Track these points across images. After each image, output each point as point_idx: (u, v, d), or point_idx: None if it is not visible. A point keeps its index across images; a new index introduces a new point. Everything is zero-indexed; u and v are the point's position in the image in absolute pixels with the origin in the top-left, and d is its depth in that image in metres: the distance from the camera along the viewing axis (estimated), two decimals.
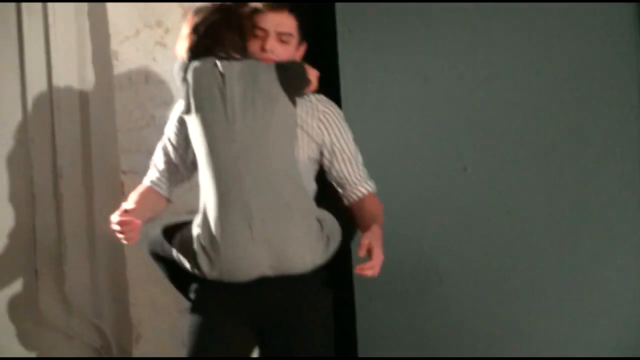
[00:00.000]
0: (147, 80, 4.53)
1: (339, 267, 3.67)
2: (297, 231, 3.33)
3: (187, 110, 3.40)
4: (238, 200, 3.31)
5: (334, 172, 3.51)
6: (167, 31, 4.51)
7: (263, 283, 3.36)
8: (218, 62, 3.39)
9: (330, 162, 3.49)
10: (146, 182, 3.68)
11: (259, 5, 3.47)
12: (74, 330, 4.69)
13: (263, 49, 3.43)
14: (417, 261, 4.60)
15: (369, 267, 3.25)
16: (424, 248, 4.61)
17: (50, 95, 4.69)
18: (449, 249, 4.61)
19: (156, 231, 3.63)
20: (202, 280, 3.43)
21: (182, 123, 3.51)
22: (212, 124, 3.34)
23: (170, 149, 3.61)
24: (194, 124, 3.39)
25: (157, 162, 3.67)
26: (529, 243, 4.60)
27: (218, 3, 3.53)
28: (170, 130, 3.61)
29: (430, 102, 4.61)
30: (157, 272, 4.33)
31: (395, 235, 4.45)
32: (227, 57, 3.40)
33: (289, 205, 3.33)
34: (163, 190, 3.67)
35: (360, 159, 3.58)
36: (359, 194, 3.54)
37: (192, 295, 3.51)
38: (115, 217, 3.45)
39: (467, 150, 4.60)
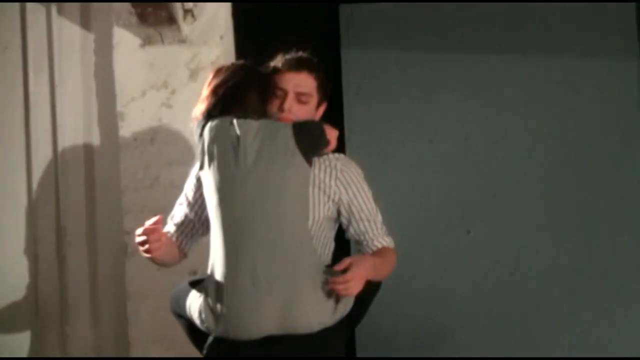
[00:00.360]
0: (152, 141, 4.58)
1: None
2: (303, 292, 3.31)
3: (201, 167, 3.41)
4: (245, 258, 3.30)
5: (351, 230, 3.47)
6: (173, 92, 4.57)
7: (270, 341, 3.34)
8: (235, 121, 3.40)
9: (349, 221, 3.46)
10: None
11: (278, 64, 3.51)
12: None
13: (281, 109, 3.45)
14: (421, 320, 4.67)
15: (340, 281, 3.24)
16: (428, 307, 4.68)
17: (55, 155, 4.76)
18: (453, 308, 4.68)
19: (176, 288, 3.65)
20: (214, 338, 3.42)
21: (199, 180, 3.52)
22: (224, 180, 3.33)
23: (185, 204, 3.60)
24: (207, 180, 3.38)
25: (175, 215, 3.65)
26: (533, 304, 4.66)
27: (238, 63, 3.57)
28: (188, 187, 3.61)
29: (434, 164, 4.70)
30: (159, 332, 4.48)
31: (399, 296, 4.54)
32: (245, 117, 3.40)
33: (296, 266, 3.32)
34: (178, 242, 3.68)
35: (380, 217, 3.52)
36: (375, 247, 3.49)
37: (205, 352, 3.48)
38: (140, 230, 3.49)
39: (470, 212, 4.69)
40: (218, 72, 3.51)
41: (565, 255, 4.67)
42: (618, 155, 4.67)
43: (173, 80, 4.58)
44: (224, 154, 3.34)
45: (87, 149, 4.75)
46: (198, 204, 3.55)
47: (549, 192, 4.69)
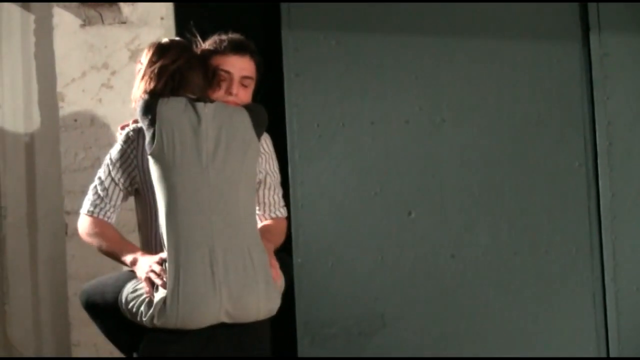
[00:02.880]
0: (92, 122, 4.72)
1: (281, 308, 3.80)
2: (256, 280, 3.39)
3: (156, 150, 3.36)
4: (203, 245, 3.34)
5: (259, 194, 3.69)
6: (113, 73, 4.72)
7: (212, 330, 3.41)
8: (191, 103, 3.42)
9: (259, 185, 3.67)
10: (89, 213, 3.62)
11: (220, 46, 3.62)
12: None
13: (229, 92, 3.58)
14: (360, 304, 4.82)
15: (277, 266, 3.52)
16: (368, 291, 4.83)
17: None
18: (393, 292, 4.84)
19: (93, 283, 3.65)
20: (149, 332, 3.40)
21: (137, 159, 3.48)
22: (184, 165, 3.34)
23: (120, 187, 3.55)
24: (160, 163, 3.36)
25: (111, 199, 3.58)
26: (473, 287, 4.84)
27: (178, 41, 3.65)
28: (117, 167, 3.54)
29: (375, 147, 4.87)
30: None
31: (340, 278, 4.73)
32: (198, 99, 3.46)
33: (250, 253, 3.41)
34: (112, 220, 3.62)
35: (280, 187, 3.80)
36: (274, 216, 3.74)
37: (143, 345, 3.44)
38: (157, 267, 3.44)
39: (411, 194, 4.84)
40: (159, 50, 3.57)
41: (506, 238, 4.84)
42: (559, 139, 4.83)
43: (113, 61, 4.72)
44: (184, 137, 3.36)
45: (28, 130, 4.90)
46: (127, 182, 3.56)
47: (490, 174, 4.86)
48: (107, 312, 3.52)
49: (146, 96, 3.45)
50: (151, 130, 3.38)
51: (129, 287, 3.43)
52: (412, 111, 4.86)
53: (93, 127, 4.73)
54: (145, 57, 3.57)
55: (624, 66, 4.79)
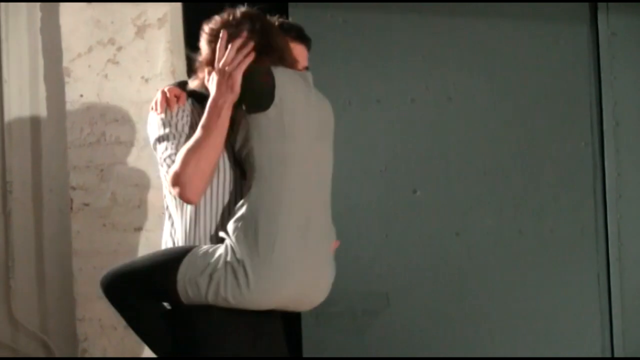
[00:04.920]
0: (98, 97, 4.82)
1: None
2: (330, 266, 3.33)
3: (274, 116, 3.18)
4: (317, 219, 3.25)
5: None
6: (119, 49, 4.81)
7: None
8: (297, 72, 3.33)
9: None
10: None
11: (292, 32, 3.54)
12: (19, 344, 5.00)
13: None
14: (365, 282, 4.99)
15: None
16: (372, 269, 5.01)
17: (1, 110, 5.02)
18: (397, 271, 5.00)
19: (125, 268, 3.31)
20: (221, 309, 3.15)
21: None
22: (297, 134, 3.22)
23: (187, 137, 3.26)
24: (276, 130, 3.19)
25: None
26: (478, 265, 5.00)
27: (262, 15, 3.38)
28: (181, 128, 3.28)
29: (381, 125, 5.02)
30: None
31: (345, 257, 4.87)
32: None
33: (330, 237, 3.34)
34: None
35: None
36: None
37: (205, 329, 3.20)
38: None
39: (416, 172, 4.99)
40: (251, 18, 3.32)
41: (511, 217, 5.00)
42: (565, 119, 4.99)
43: (120, 37, 4.80)
44: (299, 105, 3.23)
45: (33, 105, 5.00)
46: None
47: (496, 154, 5.01)
48: (145, 298, 3.25)
49: (259, 66, 3.22)
50: (265, 90, 3.19)
51: (194, 262, 3.14)
52: (419, 90, 5.00)
53: (99, 102, 4.81)
54: (229, 24, 3.30)
55: (632, 46, 4.93)
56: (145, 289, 3.22)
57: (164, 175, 3.26)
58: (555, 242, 4.99)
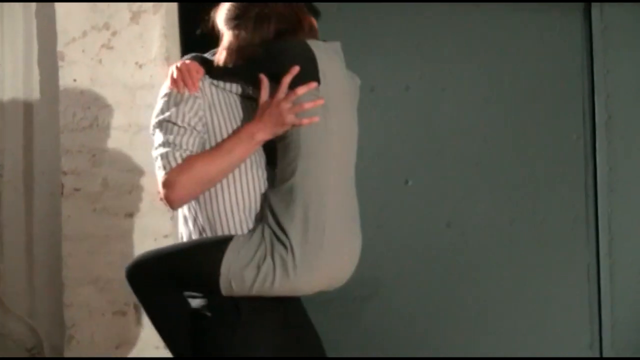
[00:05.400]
0: (92, 82, 4.82)
1: None
2: (359, 243, 3.30)
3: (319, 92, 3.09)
4: (350, 196, 3.20)
5: None
6: (114, 34, 4.82)
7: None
8: (329, 45, 3.24)
9: None
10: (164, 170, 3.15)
11: (302, 7, 3.43)
12: (6, 328, 5.02)
13: None
14: (356, 270, 4.93)
15: None
16: (364, 258, 4.96)
17: None
18: (389, 259, 5.05)
19: (148, 257, 3.23)
20: (243, 302, 3.10)
21: (202, 118, 3.16)
22: (339, 108, 3.16)
23: (199, 132, 3.16)
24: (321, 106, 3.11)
25: (190, 145, 3.13)
26: (468, 256, 5.07)
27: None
28: (195, 113, 3.15)
29: (374, 113, 5.04)
30: (94, 274, 4.77)
31: None
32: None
33: (357, 212, 3.29)
34: None
35: None
36: None
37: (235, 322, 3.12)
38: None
39: (409, 162, 5.04)
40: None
41: (503, 208, 5.06)
42: (558, 111, 5.05)
43: (114, 22, 4.80)
44: (337, 79, 3.19)
45: (27, 88, 5.02)
46: (199, 135, 3.18)
47: (488, 144, 5.06)
48: (177, 288, 3.16)
49: (293, 39, 3.17)
50: (306, 69, 3.11)
51: (238, 253, 3.06)
52: (413, 78, 5.04)
53: (92, 87, 4.82)
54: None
55: (625, 40, 4.99)
56: (179, 281, 3.12)
57: (158, 168, 3.13)
58: (545, 235, 5.05)
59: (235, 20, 3.20)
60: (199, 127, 3.14)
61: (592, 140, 5.00)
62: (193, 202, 3.20)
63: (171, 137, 3.11)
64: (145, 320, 4.71)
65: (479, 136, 5.06)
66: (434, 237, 5.03)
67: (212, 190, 3.15)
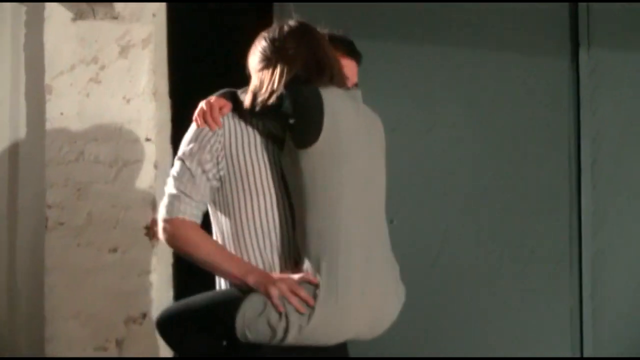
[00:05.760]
0: (79, 116, 4.86)
1: None
2: (393, 285, 3.27)
3: (323, 141, 3.08)
4: (363, 249, 3.14)
5: None
6: (102, 68, 4.86)
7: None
8: (346, 91, 3.22)
9: None
10: (186, 217, 3.20)
11: (339, 45, 3.45)
12: None
13: None
14: None
15: None
16: None
17: None
18: None
19: (176, 307, 3.34)
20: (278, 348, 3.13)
21: (220, 156, 3.19)
22: (350, 159, 3.13)
23: (210, 180, 3.19)
24: (326, 156, 3.10)
25: (200, 193, 3.19)
26: (453, 295, 5.10)
27: (310, 25, 3.30)
28: (210, 159, 3.18)
29: None
30: (75, 307, 4.78)
31: None
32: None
33: (392, 261, 3.30)
34: (199, 220, 3.26)
35: None
36: None
37: None
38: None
39: (394, 202, 5.00)
40: (302, 32, 3.24)
41: (487, 250, 5.10)
42: (544, 153, 5.09)
43: (103, 56, 4.85)
44: (349, 128, 3.15)
45: (13, 120, 5.05)
46: (216, 178, 3.23)
47: (473, 185, 5.11)
48: (200, 337, 3.22)
49: (306, 85, 3.14)
50: (312, 121, 3.09)
51: (253, 304, 3.08)
52: (400, 117, 5.07)
53: (79, 121, 4.86)
54: (279, 39, 3.22)
55: (612, 83, 5.05)
56: (203, 328, 3.18)
57: (164, 206, 3.18)
58: (530, 276, 5.09)
59: (260, 64, 3.23)
60: (213, 172, 3.20)
61: (578, 182, 5.04)
62: (217, 231, 3.30)
63: (183, 184, 3.18)
64: (125, 355, 4.73)
65: (464, 177, 5.11)
66: (419, 277, 5.03)
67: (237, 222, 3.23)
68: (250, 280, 3.10)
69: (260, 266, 3.18)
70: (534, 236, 5.09)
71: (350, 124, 3.14)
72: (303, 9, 4.96)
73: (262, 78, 3.19)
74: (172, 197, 3.16)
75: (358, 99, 3.28)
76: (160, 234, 3.18)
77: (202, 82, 5.06)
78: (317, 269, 3.05)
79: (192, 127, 3.25)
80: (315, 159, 3.08)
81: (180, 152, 3.24)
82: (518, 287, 5.09)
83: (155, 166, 4.87)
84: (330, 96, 3.11)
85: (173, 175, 3.20)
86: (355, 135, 3.14)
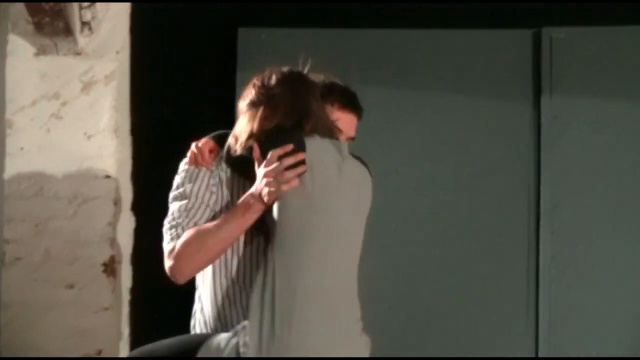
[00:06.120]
0: (39, 151, 4.88)
1: None
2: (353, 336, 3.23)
3: (303, 189, 3.07)
4: (341, 300, 3.13)
5: None
6: (64, 104, 4.89)
7: None
8: (332, 142, 3.20)
9: None
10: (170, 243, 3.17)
11: (335, 95, 3.39)
12: None
13: None
14: None
15: None
16: None
17: None
18: None
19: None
20: None
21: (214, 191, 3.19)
22: (327, 209, 3.11)
23: (208, 208, 3.17)
24: (303, 204, 3.08)
25: (197, 221, 3.17)
26: (411, 339, 5.10)
27: (303, 73, 3.27)
28: (205, 190, 3.18)
29: None
30: (32, 343, 4.77)
31: None
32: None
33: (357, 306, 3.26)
34: None
35: None
36: None
37: None
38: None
39: None
40: (291, 79, 3.23)
41: (445, 293, 5.11)
42: (505, 198, 5.13)
43: (65, 92, 4.89)
44: (331, 178, 3.14)
45: None
46: (210, 209, 3.22)
47: (432, 227, 5.12)
48: None
49: (285, 131, 3.11)
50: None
51: (223, 336, 3.11)
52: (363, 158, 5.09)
53: (40, 156, 4.88)
54: (265, 85, 3.20)
55: (573, 129, 5.10)
56: None
57: (166, 242, 3.15)
58: (488, 322, 5.10)
59: (246, 107, 3.19)
60: (211, 202, 3.18)
61: (536, 228, 5.09)
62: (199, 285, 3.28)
63: (182, 213, 3.15)
64: None
65: (424, 219, 5.13)
66: (377, 321, 5.02)
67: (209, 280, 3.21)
68: (257, 205, 3.06)
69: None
70: (492, 281, 5.11)
71: (332, 172, 3.13)
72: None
73: (244, 121, 3.16)
74: (173, 229, 3.13)
75: (343, 151, 3.23)
76: (173, 271, 3.11)
77: (164, 120, 5.13)
78: (272, 309, 3.04)
79: (181, 172, 3.23)
80: (292, 195, 3.06)
81: (172, 195, 3.21)
82: (474, 332, 5.10)
83: (115, 203, 4.89)
84: (312, 143, 3.09)
85: (169, 217, 3.18)
86: (334, 186, 3.12)
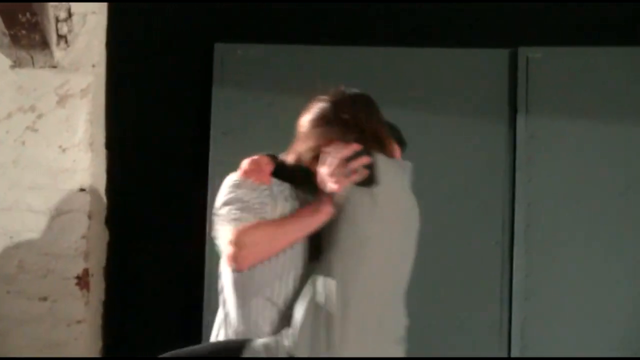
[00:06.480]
0: (15, 164, 4.91)
1: None
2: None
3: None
4: (389, 314, 3.31)
5: None
6: (39, 116, 4.92)
7: None
8: (399, 164, 3.36)
9: None
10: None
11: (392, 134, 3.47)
12: None
13: None
14: None
15: None
16: None
17: None
18: None
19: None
20: None
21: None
22: (388, 217, 3.20)
23: (264, 210, 3.21)
24: (368, 202, 3.14)
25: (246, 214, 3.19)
26: None
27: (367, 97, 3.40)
28: (263, 199, 3.21)
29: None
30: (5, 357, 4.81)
31: None
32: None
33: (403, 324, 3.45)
34: None
35: None
36: None
37: None
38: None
39: None
40: (365, 103, 3.37)
41: (417, 312, 4.97)
42: (478, 216, 5.17)
43: (41, 105, 4.91)
44: (395, 194, 3.25)
45: None
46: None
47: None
48: None
49: (353, 147, 3.16)
50: (363, 189, 3.15)
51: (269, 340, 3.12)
52: None
53: (15, 168, 4.91)
54: (338, 103, 3.31)
55: (548, 150, 5.13)
56: None
57: (223, 234, 3.13)
58: (461, 340, 5.13)
59: (316, 123, 3.29)
60: (262, 211, 3.19)
61: (510, 247, 5.12)
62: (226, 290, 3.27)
63: (240, 207, 3.16)
64: None
65: None
66: None
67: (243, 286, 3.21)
68: (326, 207, 3.11)
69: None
70: (465, 300, 5.15)
71: (395, 191, 3.24)
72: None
73: (301, 139, 3.28)
74: (234, 217, 3.13)
75: (407, 171, 3.38)
76: (236, 258, 3.08)
77: (139, 134, 5.15)
78: (326, 318, 3.05)
79: (232, 185, 3.25)
80: (358, 202, 3.11)
81: (224, 200, 3.21)
82: (449, 351, 5.12)
83: (89, 216, 4.91)
84: (379, 157, 3.18)
85: (226, 211, 3.17)
86: (396, 203, 3.24)
